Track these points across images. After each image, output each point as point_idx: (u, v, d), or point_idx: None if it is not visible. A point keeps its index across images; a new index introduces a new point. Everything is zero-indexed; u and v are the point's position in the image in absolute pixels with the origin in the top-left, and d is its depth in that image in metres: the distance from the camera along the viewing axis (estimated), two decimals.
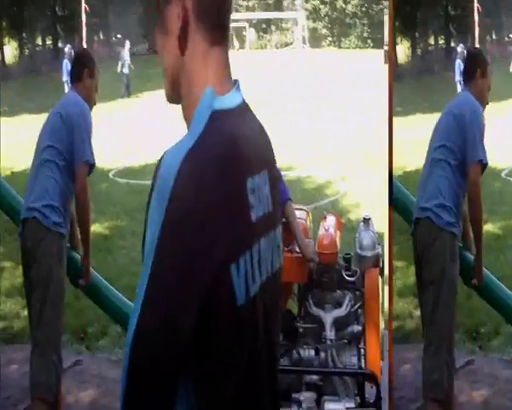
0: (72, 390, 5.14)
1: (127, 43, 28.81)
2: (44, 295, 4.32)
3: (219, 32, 1.52)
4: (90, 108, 4.46)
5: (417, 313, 5.43)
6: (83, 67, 4.50)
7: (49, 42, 47.69)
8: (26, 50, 43.73)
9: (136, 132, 17.06)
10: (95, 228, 9.38)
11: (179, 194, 1.33)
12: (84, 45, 17.27)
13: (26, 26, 42.41)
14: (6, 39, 44.81)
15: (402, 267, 7.06)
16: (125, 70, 25.69)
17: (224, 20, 1.53)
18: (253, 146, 1.50)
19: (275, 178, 1.60)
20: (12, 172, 10.26)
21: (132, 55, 49.04)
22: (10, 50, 45.67)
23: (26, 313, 6.43)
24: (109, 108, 19.59)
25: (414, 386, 4.84)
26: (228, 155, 1.41)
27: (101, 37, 52.45)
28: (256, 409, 1.54)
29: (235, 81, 1.56)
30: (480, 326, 6.16)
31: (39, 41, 44.36)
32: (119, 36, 56.90)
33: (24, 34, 43.50)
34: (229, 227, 1.37)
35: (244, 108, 1.56)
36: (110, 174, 13.13)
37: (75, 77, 4.50)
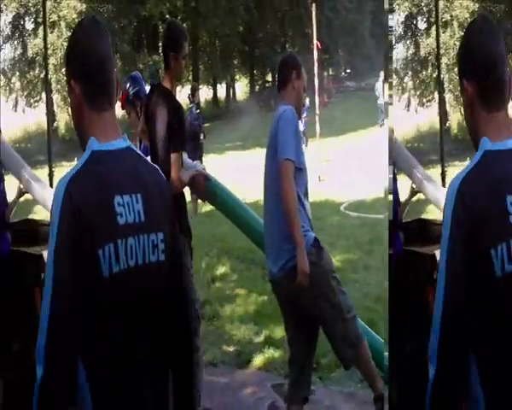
0: None
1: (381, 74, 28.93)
2: None
3: (106, 104, 2.15)
4: (299, 108, 4.58)
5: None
6: (291, 69, 4.57)
7: None
8: (256, 87, 45.40)
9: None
10: None
11: (66, 206, 1.98)
12: (316, 81, 17.40)
13: (257, 64, 44.08)
14: (237, 76, 46.85)
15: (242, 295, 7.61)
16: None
17: (111, 97, 2.17)
18: (127, 176, 2.11)
19: (152, 201, 2.15)
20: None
21: (361, 89, 49.36)
22: (241, 87, 47.66)
23: (258, 339, 6.67)
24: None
25: None
26: (99, 181, 2.04)
27: (331, 72, 53.28)
28: (135, 387, 2.10)
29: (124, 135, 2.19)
30: (320, 358, 5.88)
31: (269, 77, 45.90)
32: (348, 71, 57.80)
33: (255, 71, 45.23)
34: (98, 227, 2.00)
35: (126, 151, 2.16)
36: (341, 207, 13.24)
37: (283, 80, 4.58)
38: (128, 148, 2.18)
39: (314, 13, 17.65)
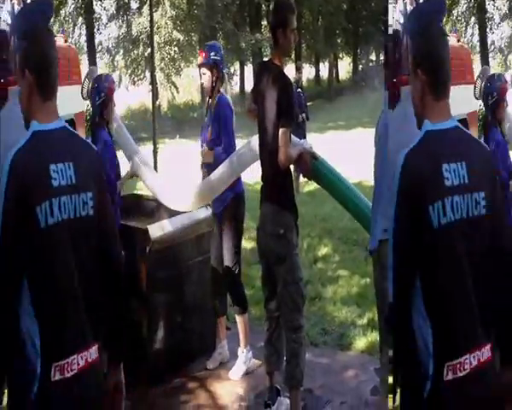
0: None
1: None
2: None
3: (51, 94, 2.68)
4: None
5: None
6: None
7: (382, 57, 48.55)
8: (360, 66, 44.87)
9: None
10: None
11: (11, 175, 2.50)
12: None
13: (361, 42, 43.54)
14: (341, 55, 46.40)
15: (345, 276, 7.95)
16: None
17: (55, 89, 2.70)
18: (61, 149, 2.64)
19: (81, 167, 2.68)
20: None
21: None
22: (344, 66, 47.22)
23: (360, 321, 6.56)
24: None
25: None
26: (36, 153, 2.56)
27: None
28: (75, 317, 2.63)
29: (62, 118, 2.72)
30: None
31: (373, 56, 45.31)
32: None
33: (358, 50, 44.70)
34: (35, 187, 2.52)
35: (61, 129, 2.69)
36: None
37: None
38: (63, 127, 2.71)
39: None
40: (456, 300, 2.56)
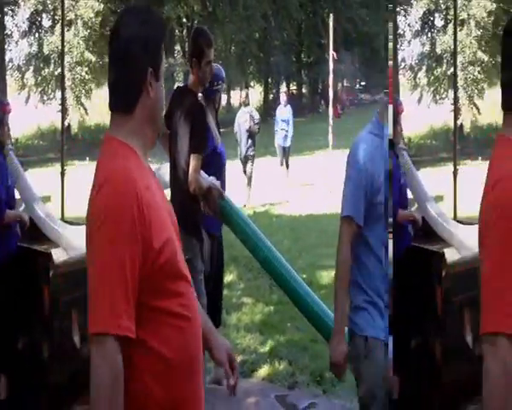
0: None
1: None
2: None
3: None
4: None
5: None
6: None
7: (292, 87, 49.24)
8: (271, 95, 45.37)
9: None
10: None
11: None
12: (330, 91, 17.38)
13: (272, 72, 44.07)
14: (252, 83, 46.84)
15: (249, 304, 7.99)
16: None
17: None
18: None
19: None
20: None
21: (374, 102, 49.23)
22: (255, 94, 47.66)
23: (263, 349, 6.63)
24: None
25: None
26: None
27: (345, 84, 53.30)
28: None
29: None
30: (324, 370, 5.80)
31: (283, 87, 45.88)
32: (363, 83, 57.77)
33: (269, 79, 45.20)
34: None
35: None
36: None
37: None
38: None
39: (331, 23, 17.65)
40: None
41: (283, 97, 18.10)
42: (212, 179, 4.90)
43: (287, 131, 16.84)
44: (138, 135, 2.27)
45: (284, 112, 17.20)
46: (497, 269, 2.01)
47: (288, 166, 17.27)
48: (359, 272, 3.55)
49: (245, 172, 14.79)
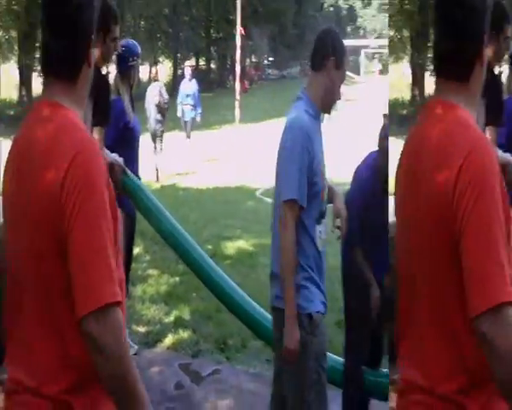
0: (210, 398, 5.29)
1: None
2: None
3: None
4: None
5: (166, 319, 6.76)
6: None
7: (202, 63, 49.08)
8: (179, 70, 45.11)
9: None
10: (240, 244, 9.61)
11: None
12: (238, 67, 17.49)
13: (181, 47, 43.83)
14: (161, 58, 46.47)
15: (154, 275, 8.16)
16: None
17: None
18: None
19: None
20: None
21: (282, 77, 49.57)
22: (164, 69, 47.29)
23: (167, 319, 6.75)
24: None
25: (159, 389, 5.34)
26: None
27: (253, 59, 53.44)
28: None
29: None
30: (228, 338, 6.28)
31: (193, 62, 45.70)
32: (271, 59, 58.04)
33: (178, 54, 44.94)
34: None
35: None
36: (257, 193, 13.53)
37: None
38: None
39: None
40: None
41: (188, 71, 17.28)
42: (115, 156, 4.96)
43: (192, 105, 16.38)
44: (80, 105, 2.20)
45: (189, 86, 16.62)
46: (493, 246, 1.95)
47: (189, 138, 16.70)
48: (297, 251, 3.56)
49: (155, 148, 14.70)
